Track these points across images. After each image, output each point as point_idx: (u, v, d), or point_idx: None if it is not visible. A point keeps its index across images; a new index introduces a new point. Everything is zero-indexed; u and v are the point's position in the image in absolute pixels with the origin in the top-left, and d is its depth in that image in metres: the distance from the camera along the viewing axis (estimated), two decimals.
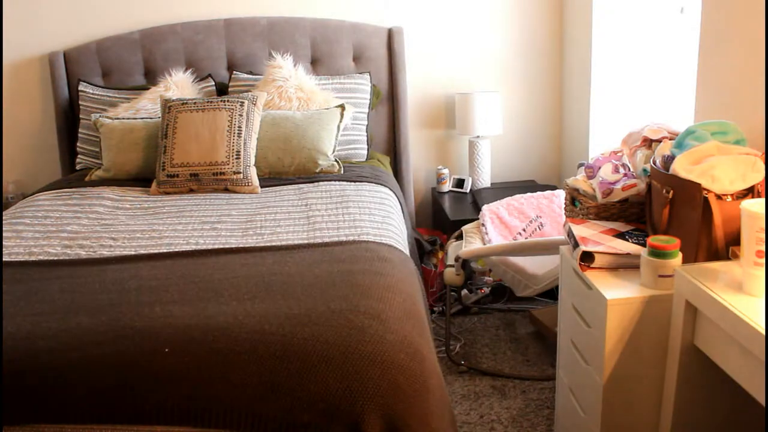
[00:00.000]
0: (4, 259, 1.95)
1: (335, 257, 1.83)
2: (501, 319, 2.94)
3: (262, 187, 2.67)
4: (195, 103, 2.75)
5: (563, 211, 2.20)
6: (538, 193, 2.97)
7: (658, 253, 1.59)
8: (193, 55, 3.26)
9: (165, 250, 1.98)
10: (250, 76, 3.16)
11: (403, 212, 2.61)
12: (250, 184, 2.64)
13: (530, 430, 2.18)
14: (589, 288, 1.72)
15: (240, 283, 1.67)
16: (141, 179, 2.81)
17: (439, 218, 3.35)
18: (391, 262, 1.81)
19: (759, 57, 1.79)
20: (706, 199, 1.56)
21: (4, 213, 2.46)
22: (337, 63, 3.30)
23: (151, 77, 3.26)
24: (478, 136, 3.35)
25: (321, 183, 2.65)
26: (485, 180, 3.37)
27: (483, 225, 2.70)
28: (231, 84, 3.15)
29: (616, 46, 2.98)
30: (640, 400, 1.67)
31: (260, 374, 1.32)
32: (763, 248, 1.31)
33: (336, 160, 2.87)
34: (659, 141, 1.98)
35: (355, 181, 2.66)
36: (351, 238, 2.00)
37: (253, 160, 2.69)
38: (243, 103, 2.75)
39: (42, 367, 1.36)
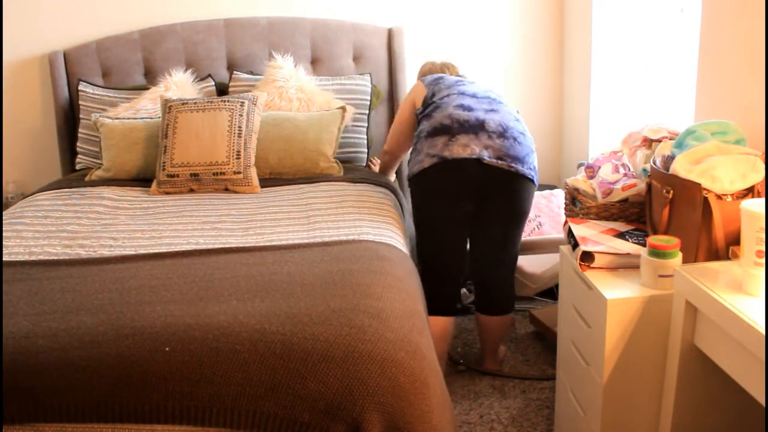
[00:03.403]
0: (4, 259, 1.95)
1: (335, 256, 1.83)
2: None
3: (262, 187, 2.67)
4: (195, 103, 2.75)
5: (562, 211, 2.20)
6: (537, 192, 2.97)
7: (658, 253, 1.59)
8: (193, 55, 3.26)
9: (165, 250, 1.98)
10: (251, 76, 3.16)
11: (403, 212, 2.61)
12: (250, 184, 2.64)
13: (530, 430, 2.19)
14: (589, 288, 1.72)
15: (240, 283, 1.67)
16: (141, 179, 2.81)
17: None
18: (390, 261, 1.82)
19: (759, 57, 1.80)
20: (706, 199, 1.56)
21: (4, 213, 2.46)
22: (337, 63, 3.30)
23: (151, 77, 3.26)
24: None
25: (321, 183, 2.65)
26: None
27: None
28: (231, 84, 3.15)
29: (616, 46, 2.98)
30: (640, 400, 1.67)
31: (261, 373, 1.32)
32: (763, 248, 1.31)
33: (336, 162, 2.87)
34: (659, 141, 1.98)
35: (355, 182, 2.66)
36: (351, 237, 2.00)
37: (253, 160, 2.69)
38: (243, 103, 2.75)
39: (42, 366, 1.36)
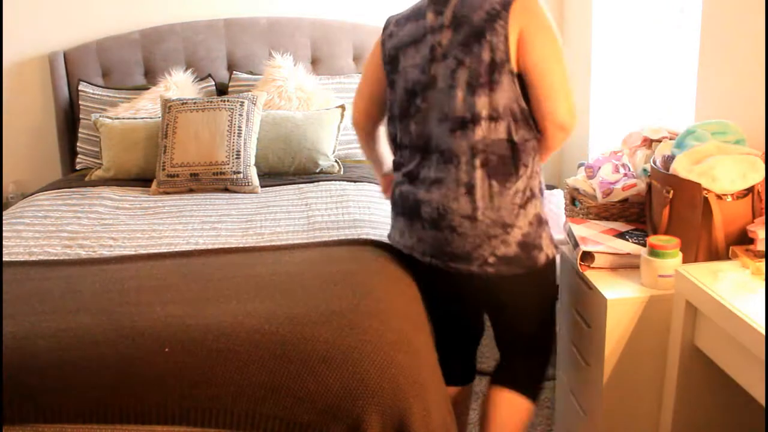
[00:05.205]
0: (4, 259, 1.95)
1: (335, 257, 1.83)
2: None
3: (262, 187, 2.67)
4: (195, 103, 2.75)
5: (562, 211, 2.20)
6: None
7: (658, 253, 1.59)
8: (193, 55, 3.26)
9: (165, 250, 1.98)
10: (250, 76, 3.16)
11: None
12: (250, 183, 2.64)
13: (530, 430, 2.18)
14: (589, 288, 1.72)
15: (240, 283, 1.67)
16: (141, 179, 2.81)
17: None
18: (390, 262, 1.81)
19: (759, 57, 1.79)
20: (706, 199, 1.56)
21: (4, 213, 2.46)
22: (337, 63, 3.30)
23: (151, 77, 3.26)
24: None
25: (321, 183, 2.65)
26: None
27: None
28: (231, 84, 3.15)
29: (616, 46, 2.97)
30: (640, 400, 1.67)
31: (260, 374, 1.32)
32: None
33: (336, 161, 2.87)
34: (659, 141, 1.98)
35: (355, 181, 2.66)
36: (351, 237, 2.00)
37: (253, 160, 2.69)
38: (243, 103, 2.75)
39: (42, 367, 1.36)
